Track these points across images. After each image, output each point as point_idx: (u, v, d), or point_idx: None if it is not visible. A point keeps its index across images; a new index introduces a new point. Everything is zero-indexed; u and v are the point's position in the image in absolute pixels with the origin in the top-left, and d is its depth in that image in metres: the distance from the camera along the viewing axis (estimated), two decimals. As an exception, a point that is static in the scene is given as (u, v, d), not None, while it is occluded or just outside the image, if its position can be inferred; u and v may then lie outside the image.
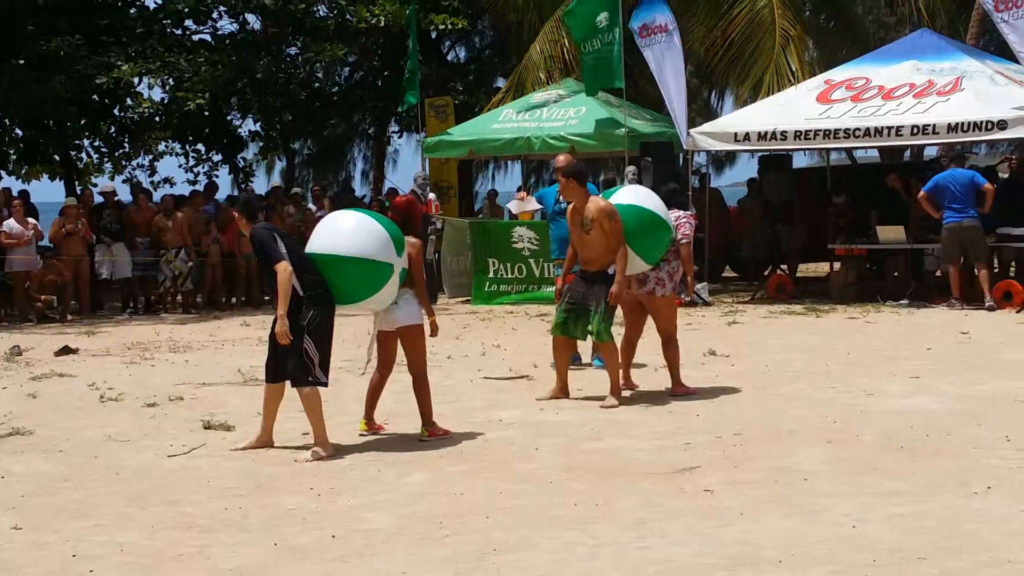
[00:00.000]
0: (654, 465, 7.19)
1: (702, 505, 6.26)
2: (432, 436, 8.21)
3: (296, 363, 7.78)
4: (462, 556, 5.48)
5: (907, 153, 24.05)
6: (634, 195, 9.64)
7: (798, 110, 16.80)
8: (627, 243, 9.07)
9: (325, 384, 7.93)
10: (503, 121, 19.42)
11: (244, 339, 14.05)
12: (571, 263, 9.63)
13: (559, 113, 18.87)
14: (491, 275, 18.28)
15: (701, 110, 26.89)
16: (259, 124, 24.46)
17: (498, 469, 7.21)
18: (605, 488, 6.64)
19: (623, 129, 17.71)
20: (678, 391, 9.65)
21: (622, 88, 17.66)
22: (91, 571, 5.43)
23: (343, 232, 8.04)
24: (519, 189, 19.75)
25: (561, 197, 10.48)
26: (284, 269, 7.69)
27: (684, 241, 9.80)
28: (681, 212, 10.02)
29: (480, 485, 6.81)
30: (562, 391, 9.60)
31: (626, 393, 9.64)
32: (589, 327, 9.30)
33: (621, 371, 9.65)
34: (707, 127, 17.67)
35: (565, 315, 9.44)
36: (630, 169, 17.11)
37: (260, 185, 28.78)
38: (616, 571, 5.23)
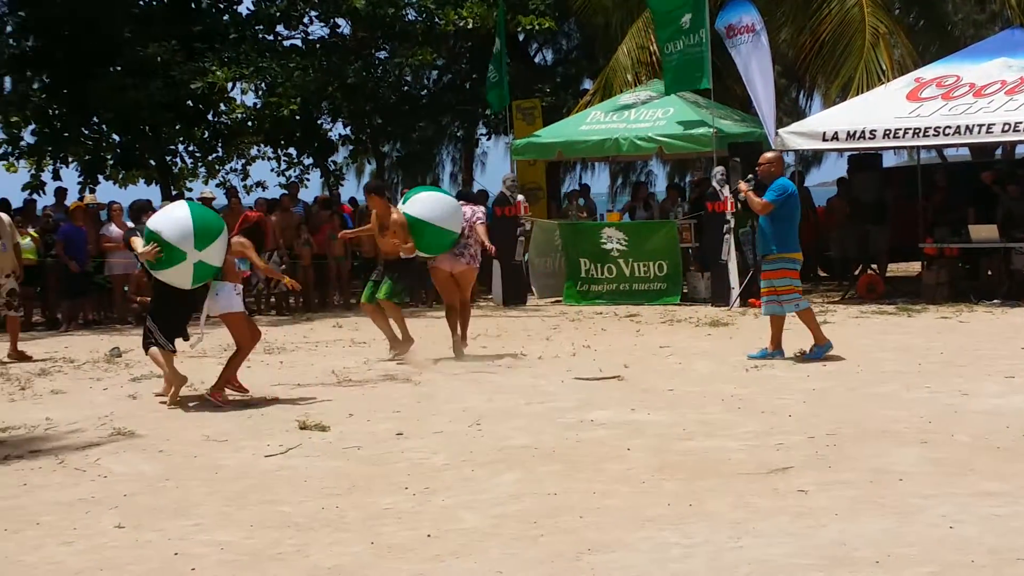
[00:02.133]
0: (747, 465, 7.18)
1: (796, 505, 6.23)
2: (214, 398, 9.98)
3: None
4: (556, 556, 5.52)
5: (998, 151, 23.67)
6: (420, 207, 12.37)
7: (888, 109, 16.60)
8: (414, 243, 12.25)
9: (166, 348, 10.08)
10: (591, 123, 19.43)
11: (337, 340, 14.23)
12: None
13: (647, 114, 18.82)
14: (582, 275, 18.35)
15: (789, 110, 26.66)
16: (349, 128, 24.74)
17: (590, 469, 7.23)
18: (698, 488, 6.64)
19: (711, 129, 17.64)
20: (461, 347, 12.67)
21: (710, 88, 17.59)
22: (192, 569, 5.52)
23: (170, 215, 10.06)
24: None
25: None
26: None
27: (480, 223, 12.98)
28: (472, 207, 13.09)
29: (573, 485, 6.84)
30: (404, 341, 12.62)
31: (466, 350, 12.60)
32: (380, 292, 12.48)
33: (455, 329, 12.73)
34: (795, 127, 17.54)
35: (371, 288, 12.75)
36: (718, 169, 17.06)
37: (351, 188, 29.03)
38: (710, 571, 5.23)
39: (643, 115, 18.86)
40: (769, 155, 12.27)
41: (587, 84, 25.17)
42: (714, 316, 15.50)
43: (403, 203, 12.60)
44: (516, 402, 9.68)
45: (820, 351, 11.44)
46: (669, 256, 17.85)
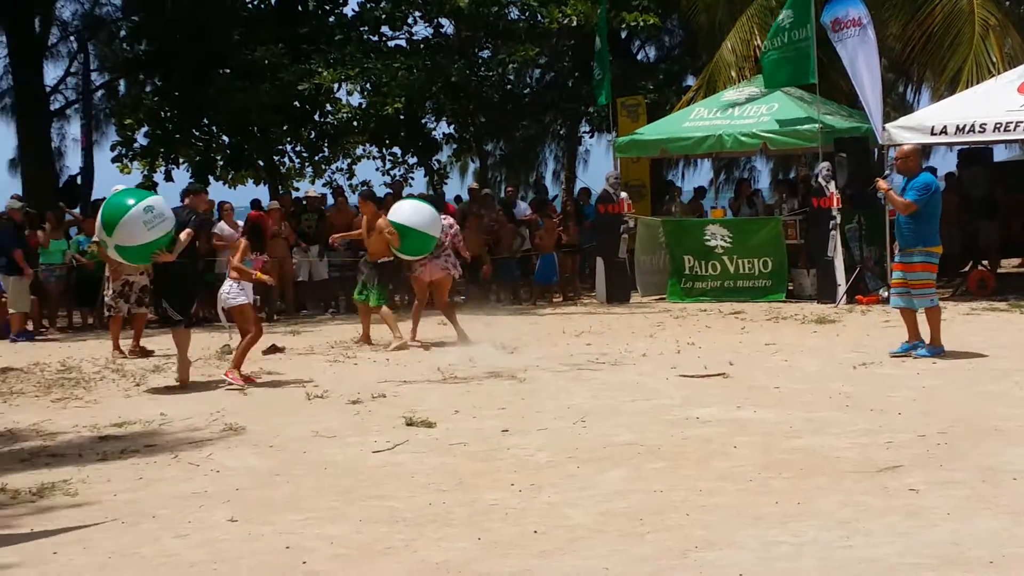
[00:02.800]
0: (856, 464, 7.09)
1: (907, 504, 6.15)
2: (227, 376, 11.26)
3: None
4: (663, 553, 5.52)
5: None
6: (403, 214, 13.84)
7: (998, 102, 16.23)
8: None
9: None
10: (694, 119, 19.30)
11: (443, 338, 14.32)
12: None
13: (751, 110, 18.64)
14: (686, 272, 18.26)
15: (896, 104, 26.17)
16: (453, 127, 24.89)
17: (696, 467, 7.21)
18: (806, 486, 6.59)
19: (816, 125, 17.43)
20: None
21: (815, 84, 17.39)
22: (304, 562, 5.61)
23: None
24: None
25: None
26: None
27: (454, 234, 14.81)
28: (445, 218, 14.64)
29: (678, 482, 6.83)
30: (366, 340, 14.24)
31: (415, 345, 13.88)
32: (362, 295, 14.08)
33: (411, 327, 14.35)
34: (903, 121, 17.22)
35: (361, 287, 14.19)
36: (824, 165, 16.85)
37: (454, 187, 29.20)
38: (819, 570, 5.19)
39: (747, 111, 18.68)
40: (905, 148, 12.22)
41: (690, 81, 25.03)
42: (820, 313, 15.32)
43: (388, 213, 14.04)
44: (621, 399, 9.67)
45: (931, 352, 11.27)
46: (774, 253, 17.68)
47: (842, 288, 16.55)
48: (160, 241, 11.10)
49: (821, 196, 16.88)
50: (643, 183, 21.72)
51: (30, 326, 17.03)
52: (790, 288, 17.85)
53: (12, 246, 16.56)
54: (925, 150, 28.89)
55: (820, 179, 16.91)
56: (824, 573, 5.15)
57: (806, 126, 17.76)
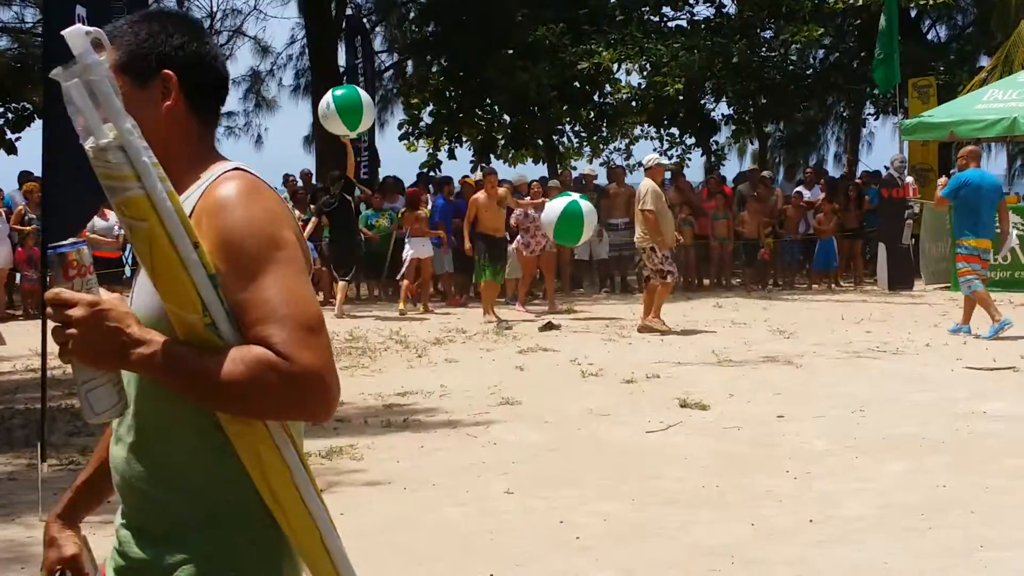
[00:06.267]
0: None
1: None
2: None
3: None
4: (946, 550, 5.33)
5: None
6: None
7: None
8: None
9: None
10: (987, 101, 18.43)
11: (717, 320, 14.22)
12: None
13: (1051, 92, 17.69)
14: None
15: None
16: (732, 108, 24.61)
17: (983, 463, 6.93)
18: (1104, 490, 6.25)
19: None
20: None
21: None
22: (577, 538, 5.68)
23: None
24: None
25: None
26: None
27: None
28: None
29: (964, 479, 6.58)
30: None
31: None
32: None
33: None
34: None
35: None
36: None
37: (732, 168, 28.91)
38: (1117, 579, 4.93)
39: (1046, 93, 17.72)
40: (964, 149, 13.18)
41: (983, 61, 23.95)
42: (1122, 308, 14.46)
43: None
44: (902, 389, 9.38)
45: (958, 328, 12.43)
46: (1072, 243, 16.76)
47: None
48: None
49: None
50: (931, 167, 20.92)
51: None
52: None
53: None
54: None
55: None
56: (1122, 582, 4.89)
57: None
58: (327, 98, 14.81)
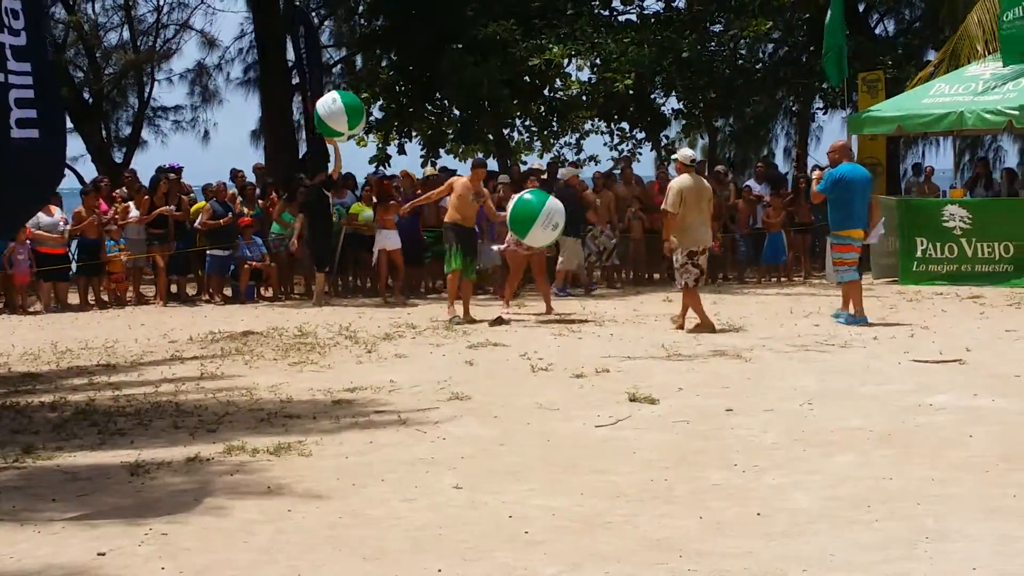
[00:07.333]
0: (1102, 460, 6.76)
1: None
2: None
3: None
4: (892, 542, 5.36)
5: None
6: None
7: None
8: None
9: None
10: (934, 95, 18.60)
11: (666, 314, 14.25)
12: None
13: (997, 86, 17.86)
14: (919, 255, 17.66)
15: None
16: (682, 102, 24.67)
17: (928, 455, 6.98)
18: (1047, 481, 6.31)
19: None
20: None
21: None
22: (526, 532, 5.66)
23: None
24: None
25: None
26: None
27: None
28: None
29: (909, 471, 6.62)
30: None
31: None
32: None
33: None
34: None
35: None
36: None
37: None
38: (1060, 568, 4.97)
39: (992, 87, 17.90)
40: (835, 144, 13.91)
41: (931, 55, 24.16)
42: (1067, 300, 14.64)
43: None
44: (849, 383, 9.44)
45: (841, 316, 13.25)
46: (1018, 236, 16.93)
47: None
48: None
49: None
50: (879, 161, 21.07)
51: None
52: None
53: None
54: None
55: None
56: (1065, 572, 4.93)
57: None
58: (333, 95, 15.47)
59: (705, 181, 13.43)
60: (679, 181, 12.87)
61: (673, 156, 13.97)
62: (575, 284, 18.13)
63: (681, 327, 12.95)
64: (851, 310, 13.20)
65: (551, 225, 13.92)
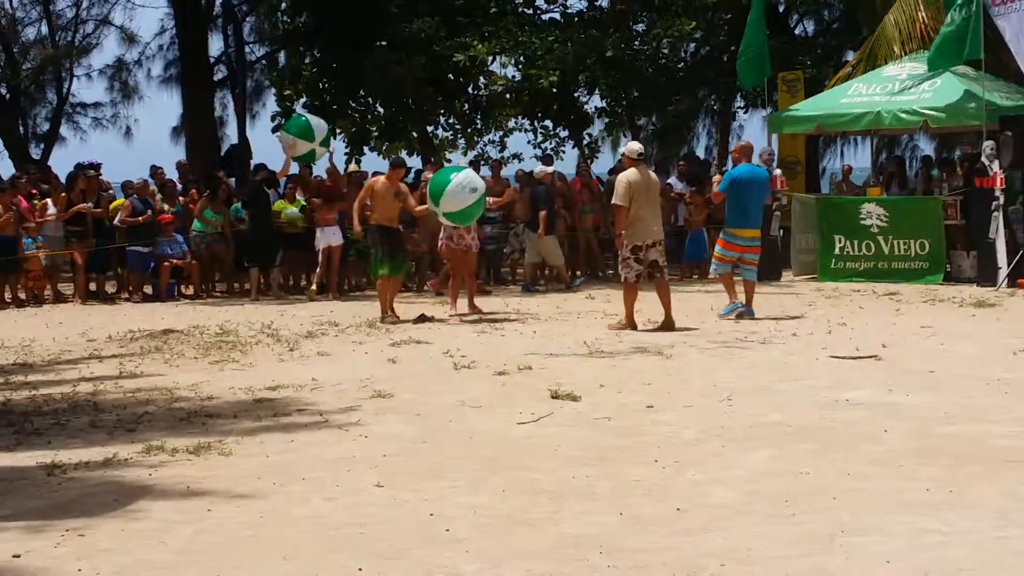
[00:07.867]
0: (1013, 452, 6.88)
1: (1067, 497, 5.95)
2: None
3: None
4: (809, 536, 5.43)
5: None
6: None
7: None
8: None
9: None
10: (852, 95, 18.89)
11: (589, 312, 14.32)
12: None
13: (913, 86, 18.16)
14: (837, 252, 17.91)
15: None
16: (605, 100, 24.79)
17: (845, 450, 7.08)
18: (960, 474, 6.41)
19: (981, 103, 16.88)
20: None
21: (981, 60, 16.85)
22: (447, 530, 5.66)
23: None
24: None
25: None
26: None
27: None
28: None
29: (827, 465, 6.71)
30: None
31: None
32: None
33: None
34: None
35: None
36: (988, 144, 16.35)
37: (606, 161, 29.14)
38: (971, 560, 5.04)
39: (908, 87, 18.19)
40: (737, 144, 14.67)
41: (849, 56, 24.49)
42: (980, 296, 14.91)
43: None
44: (768, 379, 9.55)
45: (729, 309, 13.69)
46: (932, 234, 17.24)
47: (1003, 271, 16.08)
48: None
49: (984, 176, 16.38)
50: (798, 160, 21.33)
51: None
52: (948, 270, 17.39)
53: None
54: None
55: (984, 158, 16.42)
56: (975, 564, 5.01)
57: (970, 104, 17.24)
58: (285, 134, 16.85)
59: (653, 175, 13.33)
60: (627, 175, 12.67)
61: (620, 150, 14.06)
62: (557, 280, 18.41)
63: (626, 327, 12.75)
64: (732, 301, 13.76)
65: (468, 189, 13.49)
